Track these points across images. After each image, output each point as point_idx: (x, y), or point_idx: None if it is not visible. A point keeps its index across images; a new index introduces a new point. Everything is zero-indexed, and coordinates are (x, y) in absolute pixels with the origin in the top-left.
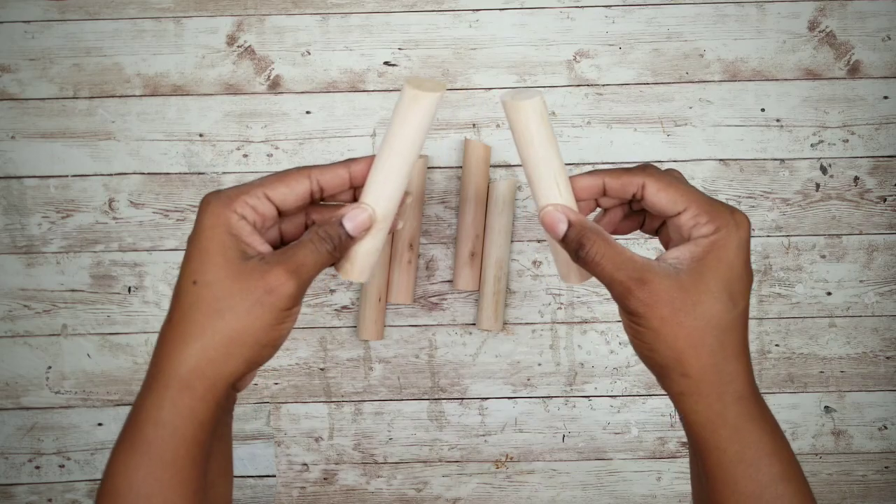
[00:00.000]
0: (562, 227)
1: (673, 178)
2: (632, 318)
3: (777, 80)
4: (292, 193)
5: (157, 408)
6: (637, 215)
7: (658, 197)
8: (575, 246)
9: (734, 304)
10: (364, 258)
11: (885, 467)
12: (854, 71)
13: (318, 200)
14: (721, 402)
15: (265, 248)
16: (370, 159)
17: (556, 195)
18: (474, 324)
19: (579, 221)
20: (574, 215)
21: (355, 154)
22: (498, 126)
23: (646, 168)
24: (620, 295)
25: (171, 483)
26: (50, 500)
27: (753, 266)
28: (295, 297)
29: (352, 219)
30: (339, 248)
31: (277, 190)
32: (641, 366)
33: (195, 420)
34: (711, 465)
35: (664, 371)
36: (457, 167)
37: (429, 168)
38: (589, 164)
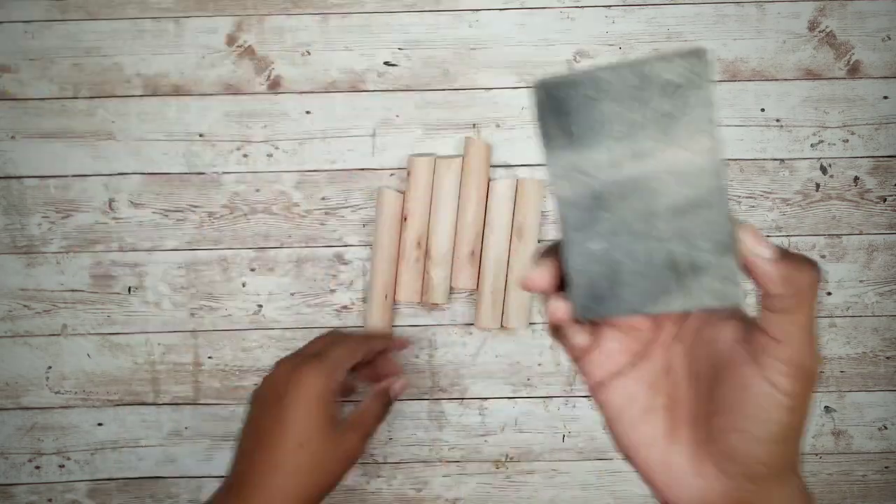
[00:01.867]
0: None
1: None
2: None
3: (777, 80)
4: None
5: None
6: None
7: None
8: None
9: None
10: (441, 283)
11: (885, 467)
12: (854, 71)
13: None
14: None
15: (338, 410)
16: (402, 341)
17: None
18: (473, 323)
19: None
20: None
21: (354, 153)
22: (498, 126)
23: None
24: None
25: None
26: (50, 500)
27: None
28: (363, 453)
29: (397, 389)
30: (389, 408)
31: (353, 362)
32: None
33: None
34: None
35: None
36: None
37: None
38: None
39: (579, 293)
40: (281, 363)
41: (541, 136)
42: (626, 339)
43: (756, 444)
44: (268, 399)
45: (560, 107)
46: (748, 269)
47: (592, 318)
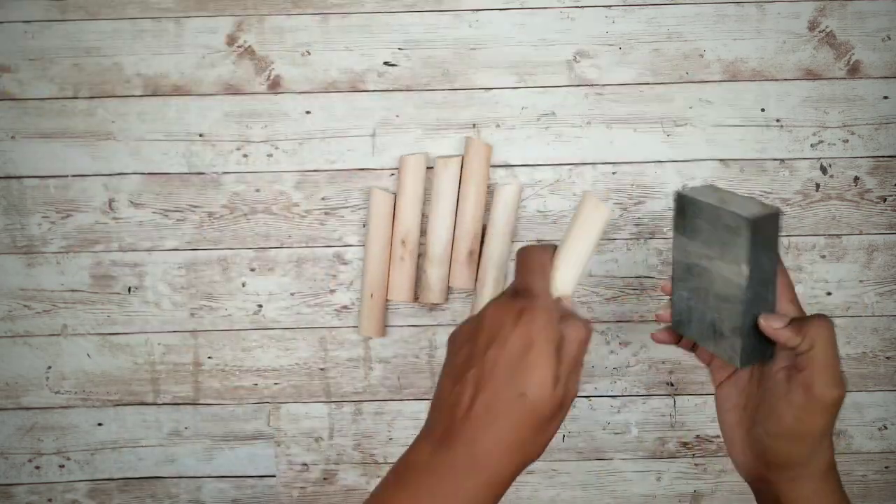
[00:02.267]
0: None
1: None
2: None
3: (777, 80)
4: None
5: (468, 491)
6: None
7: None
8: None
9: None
10: (438, 283)
11: (885, 467)
12: (854, 71)
13: None
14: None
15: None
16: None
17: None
18: None
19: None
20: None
21: (355, 154)
22: (498, 126)
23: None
24: None
25: None
26: (50, 500)
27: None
28: (575, 394)
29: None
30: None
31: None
32: (641, 366)
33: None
34: None
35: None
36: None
37: (429, 168)
38: (589, 163)
39: (674, 315)
40: (496, 304)
41: (673, 223)
42: None
43: (768, 437)
44: (491, 338)
45: (683, 211)
46: (774, 338)
47: (677, 332)
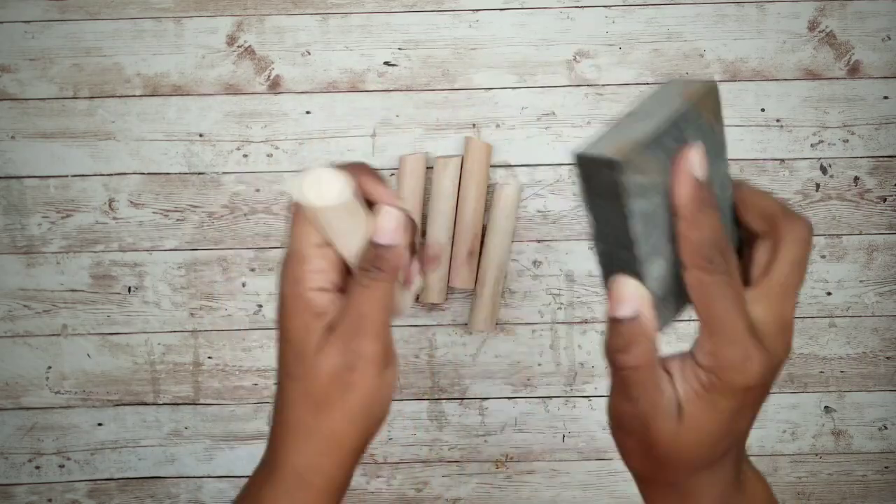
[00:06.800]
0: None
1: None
2: None
3: (777, 80)
4: None
5: (275, 500)
6: None
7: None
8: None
9: None
10: (437, 283)
11: (885, 467)
12: (854, 71)
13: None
14: None
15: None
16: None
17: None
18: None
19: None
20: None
21: (355, 154)
22: (498, 126)
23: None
24: None
25: None
26: (50, 500)
27: None
28: (380, 358)
29: (384, 232)
30: (392, 273)
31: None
32: None
33: None
34: None
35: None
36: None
37: (429, 168)
38: None
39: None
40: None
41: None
42: None
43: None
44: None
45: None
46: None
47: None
